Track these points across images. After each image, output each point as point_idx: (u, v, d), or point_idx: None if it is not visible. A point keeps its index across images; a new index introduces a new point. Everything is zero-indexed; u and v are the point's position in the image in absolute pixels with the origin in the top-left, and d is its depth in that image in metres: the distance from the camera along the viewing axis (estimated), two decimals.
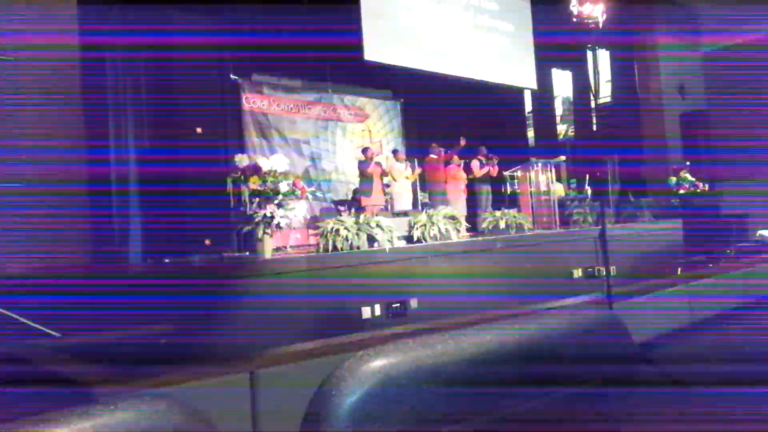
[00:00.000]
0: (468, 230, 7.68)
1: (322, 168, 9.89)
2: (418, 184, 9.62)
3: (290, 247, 8.05)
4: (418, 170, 9.33)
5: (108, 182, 7.21)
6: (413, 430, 0.61)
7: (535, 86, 11.00)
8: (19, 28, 5.15)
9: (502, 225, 7.42)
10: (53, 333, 3.60)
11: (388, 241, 5.73)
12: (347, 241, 5.55)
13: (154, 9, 6.73)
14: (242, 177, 5.21)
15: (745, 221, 11.41)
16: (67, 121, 5.49)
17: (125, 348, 3.42)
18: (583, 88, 13.86)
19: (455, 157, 9.51)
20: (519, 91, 12.56)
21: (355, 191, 9.30)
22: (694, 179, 9.95)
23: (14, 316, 3.57)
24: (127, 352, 3.43)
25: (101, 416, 0.47)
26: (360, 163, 8.65)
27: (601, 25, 4.44)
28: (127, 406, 0.48)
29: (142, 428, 0.47)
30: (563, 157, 11.45)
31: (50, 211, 5.32)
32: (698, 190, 9.73)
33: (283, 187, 5.30)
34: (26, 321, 3.57)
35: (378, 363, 0.61)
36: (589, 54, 13.37)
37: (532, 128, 14.02)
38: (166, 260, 5.20)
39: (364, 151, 8.76)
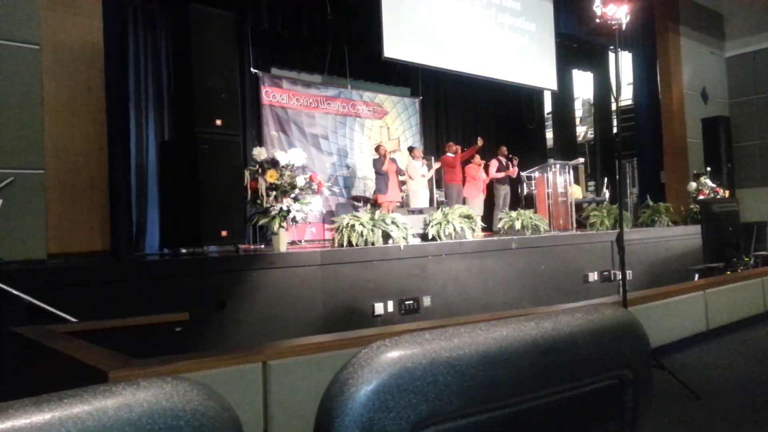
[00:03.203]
0: (483, 230, 7.67)
1: (339, 163, 9.91)
2: (434, 182, 9.62)
3: (305, 241, 8.09)
4: (435, 165, 9.32)
5: (127, 172, 7.30)
6: (429, 421, 0.61)
7: (555, 87, 10.91)
8: (45, 18, 5.22)
9: (517, 226, 7.40)
10: (70, 318, 3.65)
11: (403, 238, 5.74)
12: (362, 237, 5.57)
13: (176, 1, 6.78)
14: (260, 170, 5.24)
15: (765, 229, 11.25)
16: (88, 111, 5.56)
17: (141, 335, 3.46)
18: (603, 90, 13.73)
19: (477, 157, 9.49)
20: (539, 92, 12.48)
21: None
22: (714, 185, 9.82)
23: (33, 301, 3.62)
24: (143, 340, 3.48)
25: (123, 394, 0.48)
26: (374, 160, 8.67)
27: (624, 27, 4.40)
28: (149, 385, 0.49)
29: (163, 407, 0.48)
30: (582, 160, 11.37)
31: (70, 199, 5.39)
32: (718, 196, 9.60)
33: (300, 181, 5.32)
34: (45, 306, 3.63)
35: (395, 353, 0.61)
36: (611, 56, 13.25)
37: (551, 129, 13.91)
38: (183, 251, 5.24)
39: (377, 148, 8.78)
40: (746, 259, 7.11)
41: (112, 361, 2.34)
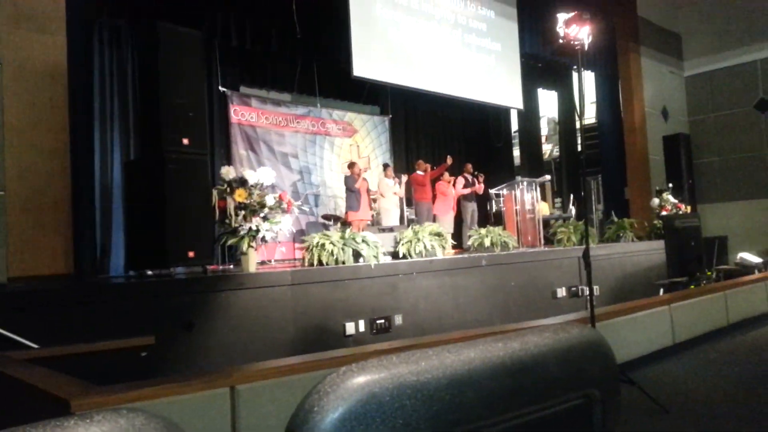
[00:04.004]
0: (454, 247, 7.70)
1: (309, 182, 9.88)
2: (404, 200, 9.66)
3: (275, 260, 8.01)
4: (404, 182, 9.36)
5: (91, 193, 7.15)
6: None
7: (521, 106, 11.10)
8: (6, 35, 5.11)
9: (487, 243, 7.45)
10: (32, 345, 3.53)
11: (374, 256, 5.73)
12: (333, 256, 5.53)
13: (143, 19, 6.73)
14: (228, 189, 5.19)
15: (726, 243, 11.57)
16: (51, 130, 5.44)
17: (105, 361, 3.37)
18: (568, 108, 14.02)
19: (446, 174, 9.56)
20: (506, 110, 12.68)
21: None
22: (676, 200, 10.07)
23: None
24: (107, 365, 3.38)
25: (75, 430, 0.46)
26: (346, 178, 8.67)
27: (586, 47, 4.51)
28: (103, 419, 0.47)
29: None
30: (548, 177, 11.56)
31: (32, 221, 5.24)
32: (680, 212, 9.84)
33: (269, 200, 5.28)
34: (4, 332, 3.50)
35: (361, 379, 0.60)
36: (575, 75, 13.55)
37: (518, 147, 14.13)
38: (149, 272, 5.14)
39: (350, 166, 8.78)
40: (709, 273, 7.28)
41: (74, 388, 2.26)
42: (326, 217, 9.37)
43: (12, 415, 2.57)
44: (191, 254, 4.93)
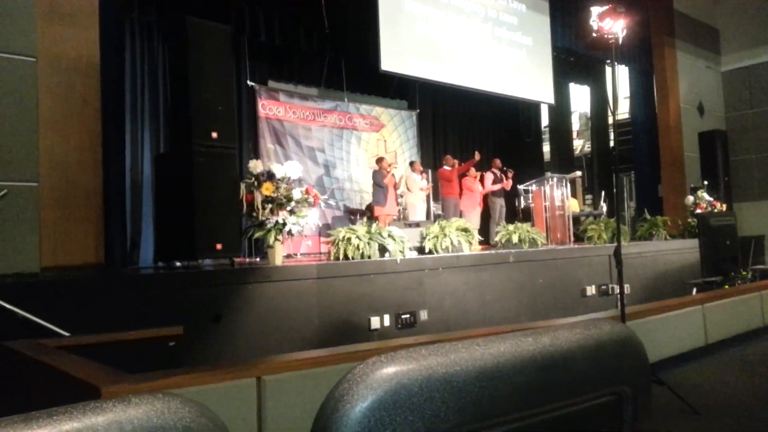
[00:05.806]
0: (481, 243, 7.65)
1: (335, 176, 9.91)
2: (431, 195, 9.63)
3: (301, 254, 8.06)
4: (430, 185, 9.34)
5: (122, 185, 7.28)
6: None
7: (552, 101, 10.96)
8: (41, 30, 5.22)
9: (515, 239, 7.39)
10: (63, 333, 3.62)
11: (400, 251, 5.72)
12: (359, 250, 5.55)
13: (172, 14, 6.81)
14: (256, 183, 5.23)
15: (763, 242, 11.27)
16: (83, 124, 5.54)
17: (134, 350, 3.43)
18: (600, 103, 13.80)
19: (472, 169, 9.50)
20: (536, 105, 12.54)
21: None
22: (711, 198, 9.84)
23: (26, 314, 3.59)
24: (136, 354, 3.44)
25: (114, 411, 0.47)
26: (374, 173, 8.66)
27: (620, 41, 4.43)
28: (140, 402, 0.48)
29: (154, 425, 0.47)
30: (579, 173, 11.40)
31: (64, 212, 5.36)
32: (716, 210, 9.62)
33: (296, 194, 5.31)
34: (37, 320, 3.59)
35: (390, 370, 0.60)
36: (608, 70, 13.33)
37: (548, 143, 13.96)
38: (177, 264, 5.21)
39: (379, 161, 8.77)
40: (744, 273, 7.10)
41: (104, 376, 2.31)
42: (352, 211, 9.40)
43: (45, 400, 2.64)
44: (219, 247, 4.99)
